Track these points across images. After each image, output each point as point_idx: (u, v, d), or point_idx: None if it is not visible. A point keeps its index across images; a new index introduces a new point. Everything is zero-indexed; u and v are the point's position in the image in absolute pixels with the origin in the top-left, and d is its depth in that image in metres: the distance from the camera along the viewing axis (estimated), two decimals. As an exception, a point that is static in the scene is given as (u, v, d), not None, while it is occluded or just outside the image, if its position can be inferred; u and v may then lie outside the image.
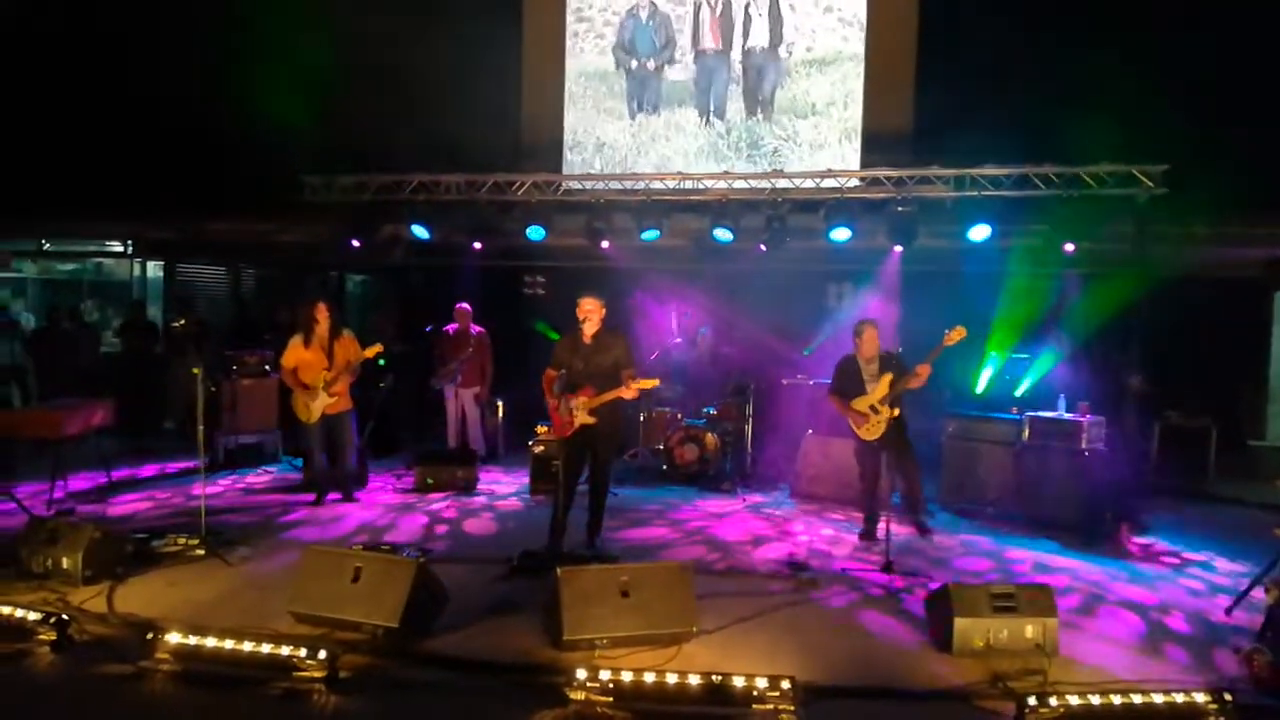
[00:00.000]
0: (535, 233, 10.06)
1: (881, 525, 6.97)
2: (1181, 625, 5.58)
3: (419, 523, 7.62)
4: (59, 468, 7.70)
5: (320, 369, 7.87)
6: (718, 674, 4.37)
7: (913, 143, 10.19)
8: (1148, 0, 9.73)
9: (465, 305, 10.09)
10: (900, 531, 7.15)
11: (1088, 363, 8.66)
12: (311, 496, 8.16)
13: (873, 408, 7.21)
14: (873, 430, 7.23)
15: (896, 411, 7.05)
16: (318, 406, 7.88)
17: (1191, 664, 4.96)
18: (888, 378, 7.11)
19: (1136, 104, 9.33)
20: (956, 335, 6.65)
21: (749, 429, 9.75)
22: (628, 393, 6.52)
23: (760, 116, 11.05)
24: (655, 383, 6.73)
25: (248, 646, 4.59)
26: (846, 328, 7.79)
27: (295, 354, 7.90)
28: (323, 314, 7.90)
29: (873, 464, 7.40)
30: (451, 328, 10.06)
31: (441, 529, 7.47)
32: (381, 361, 11.06)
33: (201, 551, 6.34)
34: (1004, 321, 9.37)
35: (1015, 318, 9.35)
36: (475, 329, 10.04)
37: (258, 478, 9.22)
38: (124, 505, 7.90)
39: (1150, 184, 8.35)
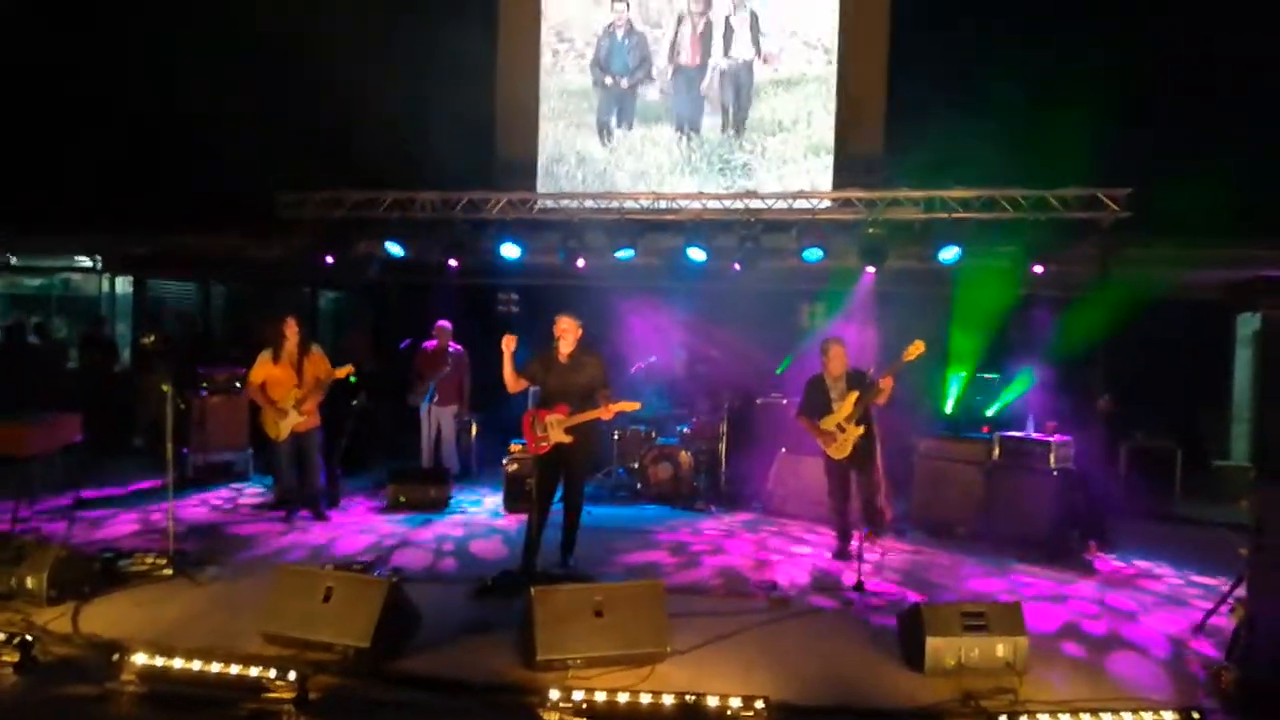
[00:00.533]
0: (510, 250, 10.07)
1: (854, 544, 7.01)
2: (1149, 644, 5.65)
3: (389, 541, 7.56)
4: (24, 485, 7.57)
5: (290, 386, 7.82)
6: (691, 694, 4.37)
7: (883, 165, 10.31)
8: (1114, 26, 9.91)
9: (445, 323, 10.05)
10: (873, 551, 7.19)
11: (1056, 383, 8.77)
12: (281, 514, 8.08)
13: (839, 426, 7.23)
14: (841, 448, 7.26)
15: (863, 429, 7.12)
16: (287, 424, 7.83)
17: (1160, 683, 5.02)
18: (853, 395, 7.16)
19: (1102, 128, 9.52)
20: (915, 350, 6.76)
21: (723, 447, 9.77)
22: (606, 414, 6.56)
23: (733, 133, 11.14)
24: (636, 405, 6.73)
25: (216, 667, 4.54)
26: (816, 347, 7.83)
27: (264, 370, 7.84)
28: (292, 330, 7.85)
29: (842, 482, 7.42)
30: (430, 344, 10.02)
31: (415, 547, 7.42)
32: (353, 379, 11.01)
33: (169, 571, 6.26)
34: (973, 342, 9.49)
35: (984, 339, 9.47)
36: (454, 347, 10.01)
37: (228, 495, 9.11)
38: (91, 523, 7.77)
39: (1115, 207, 8.50)
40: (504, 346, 6.55)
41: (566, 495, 6.84)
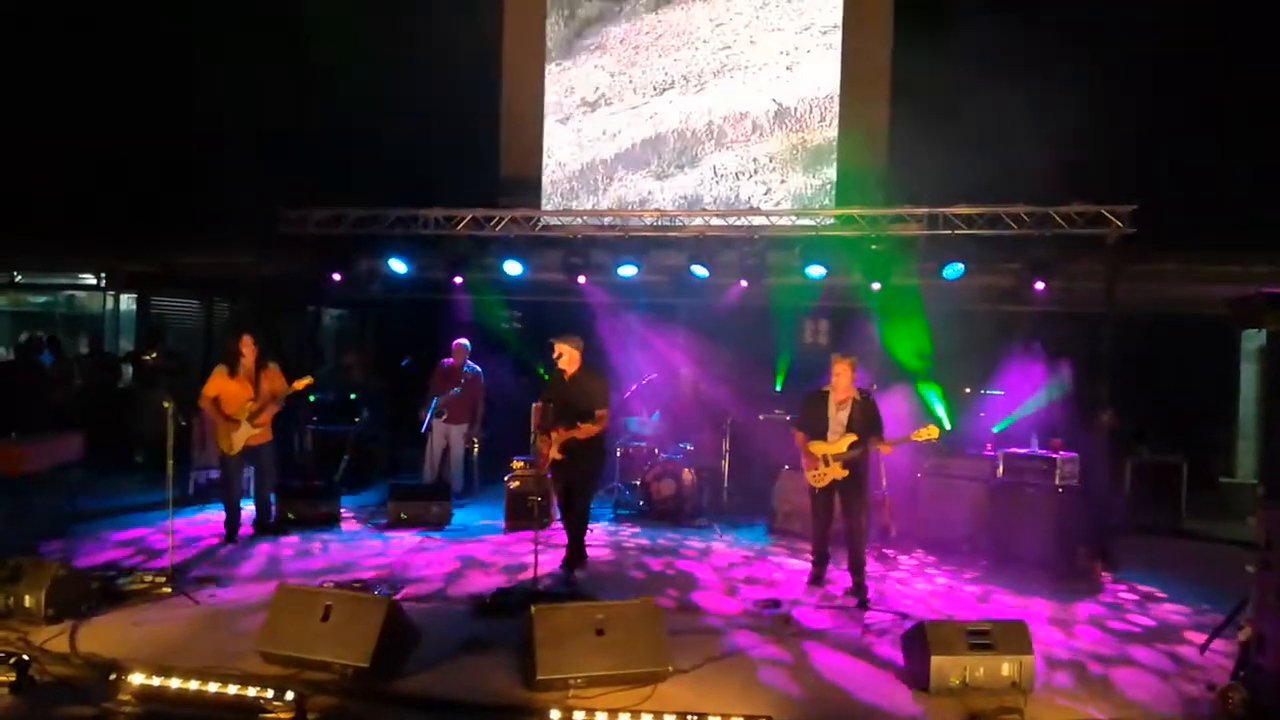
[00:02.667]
0: (512, 268, 10.07)
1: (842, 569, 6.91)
2: (1156, 662, 5.59)
3: (390, 559, 7.52)
4: (22, 503, 7.54)
5: (244, 399, 7.85)
6: (693, 714, 4.32)
7: (887, 182, 10.30)
8: (1117, 45, 9.93)
9: (463, 341, 9.98)
10: (874, 569, 7.13)
11: (1060, 399, 8.72)
12: (223, 534, 7.97)
13: (825, 459, 6.82)
14: (817, 479, 6.88)
15: (845, 473, 6.74)
16: (240, 437, 7.85)
17: (1166, 702, 4.96)
18: (850, 439, 6.73)
19: (1107, 145, 9.52)
20: (926, 434, 6.60)
21: (725, 464, 9.74)
22: (579, 434, 6.77)
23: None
24: (592, 429, 6.82)
25: (213, 687, 4.49)
26: (817, 363, 7.73)
27: (218, 384, 7.86)
28: (248, 346, 7.89)
29: (823, 506, 6.99)
30: (448, 361, 9.98)
31: (415, 565, 7.38)
32: (353, 395, 11.01)
33: (168, 589, 6.22)
34: (974, 358, 9.47)
35: (986, 354, 9.44)
36: (470, 366, 9.96)
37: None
38: (90, 541, 7.74)
39: (1119, 224, 8.48)
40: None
41: (566, 510, 6.92)
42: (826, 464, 6.81)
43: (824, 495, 6.94)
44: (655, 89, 11.31)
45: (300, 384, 7.99)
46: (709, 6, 11.17)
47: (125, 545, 7.69)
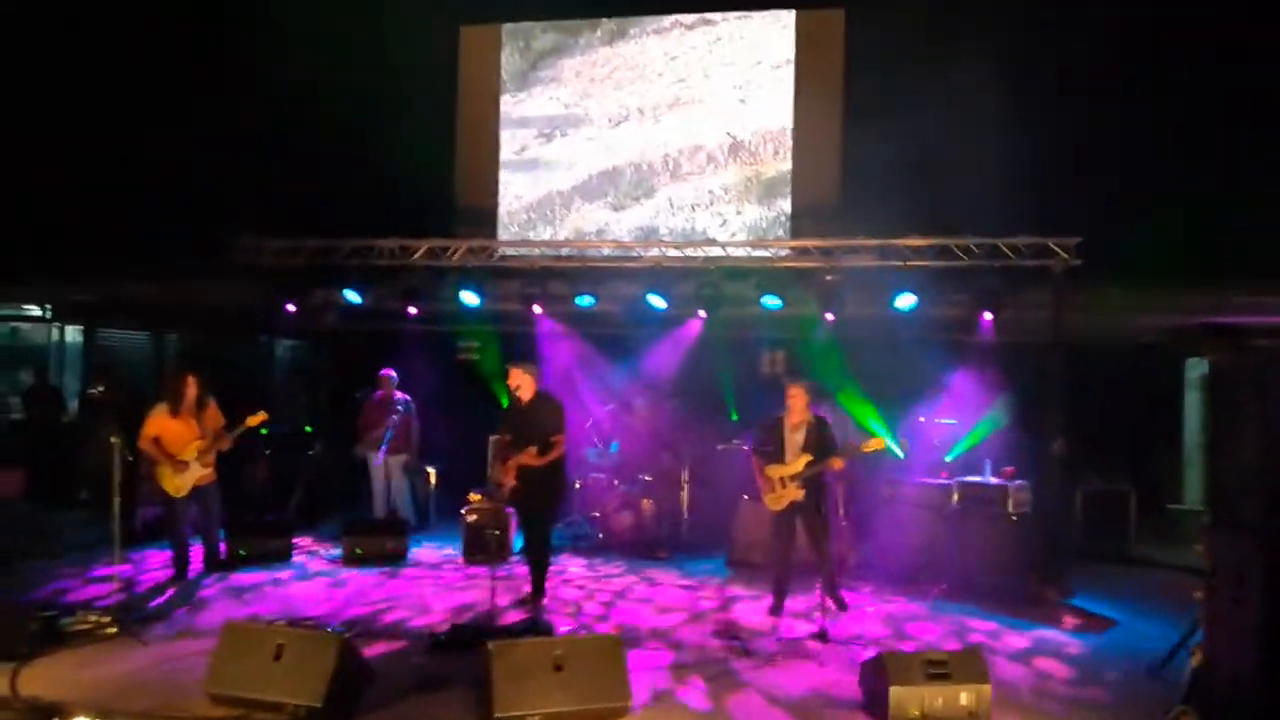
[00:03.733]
0: (469, 298, 10.04)
1: (807, 595, 6.96)
2: (1108, 688, 5.66)
3: (344, 595, 7.39)
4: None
5: (190, 439, 7.64)
6: (652, 749, 4.29)
7: (840, 214, 10.45)
8: (1064, 77, 10.19)
9: (389, 371, 9.93)
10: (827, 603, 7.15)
11: (1005, 427, 8.86)
12: (172, 574, 7.80)
13: (782, 480, 7.00)
14: (776, 502, 7.05)
15: (802, 493, 6.93)
16: (189, 478, 7.64)
17: (1119, 727, 5.02)
18: (805, 459, 6.94)
19: (1053, 178, 9.76)
20: (874, 445, 6.99)
21: (684, 495, 9.74)
22: (531, 460, 6.71)
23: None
24: (543, 460, 6.75)
25: (160, 731, 4.37)
26: (773, 394, 7.82)
27: (160, 423, 7.62)
28: (191, 385, 7.70)
29: (784, 530, 7.15)
30: (378, 394, 9.90)
31: (369, 601, 7.25)
32: (308, 429, 10.86)
33: (114, 629, 6.06)
34: (924, 387, 9.60)
35: (939, 384, 9.58)
36: (400, 395, 9.88)
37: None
38: (32, 579, 7.52)
39: (1065, 255, 8.68)
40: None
41: (526, 541, 6.89)
42: (784, 485, 7.01)
43: (784, 519, 7.12)
44: (610, 121, 11.39)
45: (255, 419, 7.79)
46: (663, 40, 11.31)
47: (69, 583, 7.47)
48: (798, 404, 7.11)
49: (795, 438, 7.10)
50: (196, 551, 7.97)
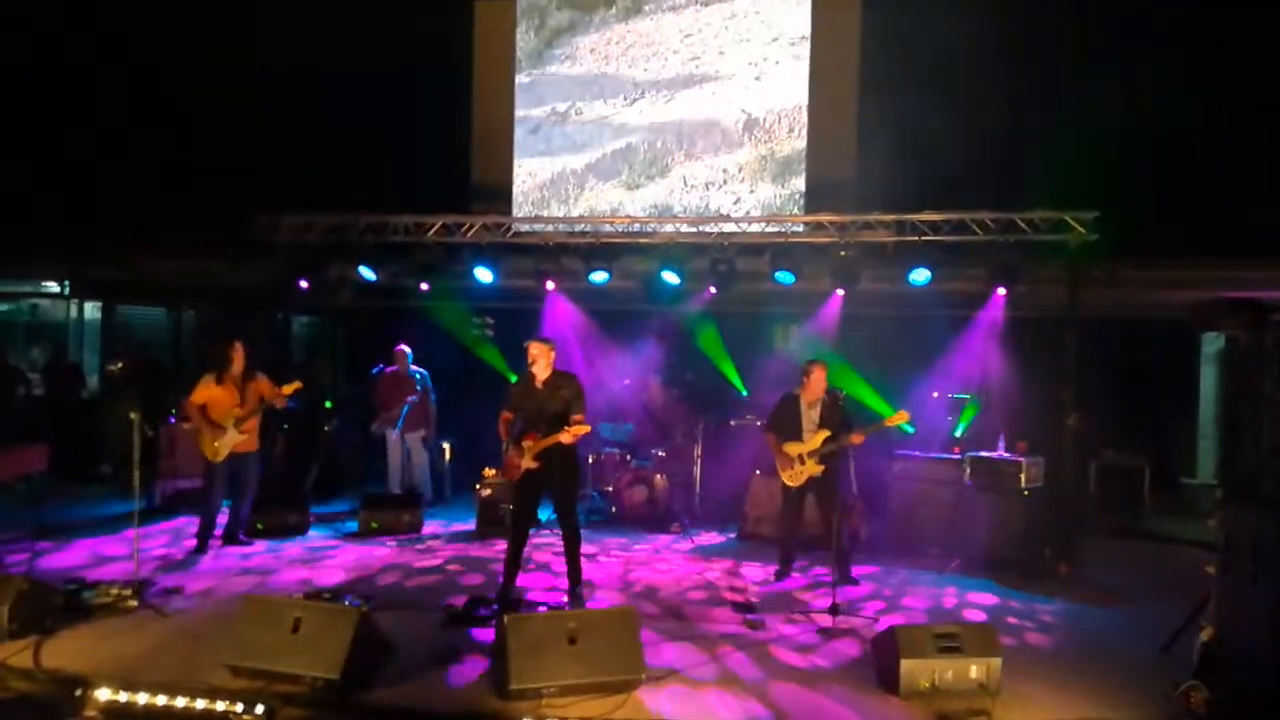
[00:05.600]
0: (483, 274, 10.06)
1: (818, 569, 7.02)
2: (1120, 662, 5.68)
3: (360, 569, 7.48)
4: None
5: (231, 406, 7.79)
6: (665, 721, 4.35)
7: (855, 189, 10.39)
8: (1079, 51, 10.08)
9: (403, 347, 9.99)
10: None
11: (1026, 403, 8.85)
12: (254, 543, 7.96)
13: (800, 457, 7.19)
14: (794, 478, 7.24)
15: (821, 469, 7.11)
16: (226, 443, 7.78)
17: (1130, 701, 5.04)
18: (824, 434, 7.11)
19: (1070, 151, 9.67)
20: (899, 418, 7.02)
21: (697, 470, 9.78)
22: (565, 438, 6.39)
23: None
24: (585, 429, 6.50)
25: (181, 702, 4.47)
26: (786, 368, 7.85)
27: (206, 391, 7.79)
28: (238, 353, 7.86)
29: (795, 506, 7.37)
30: (390, 369, 9.97)
31: (386, 574, 7.34)
32: (328, 404, 10.95)
33: (135, 602, 6.15)
34: (941, 362, 9.61)
35: (953, 359, 9.59)
36: (415, 370, 9.95)
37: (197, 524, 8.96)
38: (55, 554, 7.64)
39: (1082, 230, 8.61)
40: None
41: (560, 523, 6.71)
42: (802, 462, 7.16)
43: (798, 494, 7.30)
44: (625, 99, 11.32)
45: (289, 389, 7.92)
46: (679, 17, 11.21)
47: (90, 558, 7.59)
48: (817, 383, 7.23)
49: (812, 414, 7.25)
50: (222, 523, 8.07)
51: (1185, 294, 10.59)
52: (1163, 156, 9.75)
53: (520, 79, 11.62)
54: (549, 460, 6.48)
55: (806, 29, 10.83)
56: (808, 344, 10.20)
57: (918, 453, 8.74)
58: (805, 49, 10.82)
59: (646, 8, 11.29)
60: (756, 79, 10.98)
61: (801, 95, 10.81)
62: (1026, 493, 7.76)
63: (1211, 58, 9.95)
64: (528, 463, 6.46)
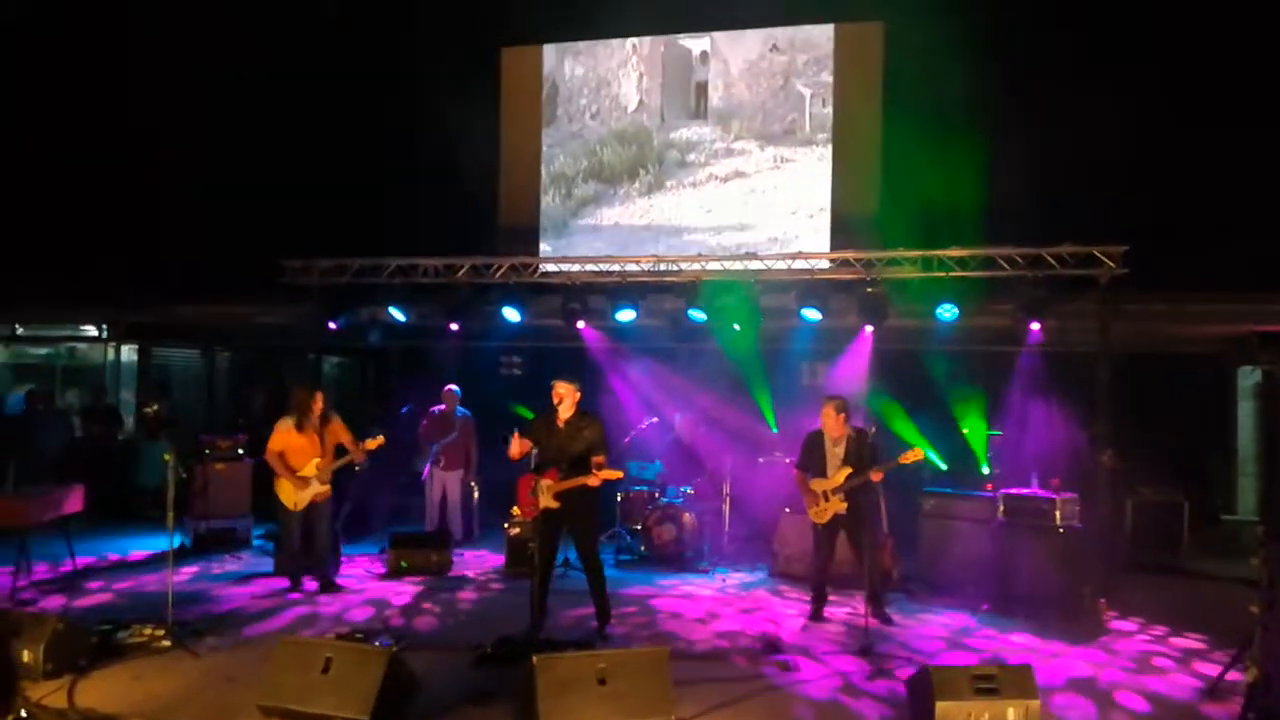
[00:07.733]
0: (511, 314, 10.15)
1: (850, 608, 6.94)
2: (1163, 705, 5.55)
3: (392, 608, 7.49)
4: (23, 556, 7.53)
5: (312, 454, 7.75)
6: (696, 763, 4.29)
7: (880, 226, 10.42)
8: (1107, 85, 10.08)
9: (453, 387, 10.09)
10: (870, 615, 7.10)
11: (1058, 439, 8.74)
12: (286, 583, 7.99)
13: (825, 494, 7.22)
14: (819, 515, 7.28)
15: (845, 506, 7.12)
16: (308, 494, 7.75)
17: (1172, 744, 4.93)
18: (846, 471, 7.15)
19: (1098, 186, 9.65)
20: (912, 456, 7.02)
21: (726, 508, 9.72)
22: (593, 481, 6.43)
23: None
24: (618, 474, 6.59)
25: (213, 742, 4.47)
26: (811, 405, 7.86)
27: (285, 438, 7.73)
28: (318, 401, 7.83)
29: (826, 544, 7.37)
30: (438, 409, 10.05)
31: (416, 614, 7.34)
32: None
33: (168, 643, 6.19)
34: (970, 398, 9.53)
35: (981, 395, 9.52)
36: (461, 412, 10.03)
37: (229, 564, 9.04)
38: (89, 594, 7.72)
39: (1111, 264, 8.55)
40: (513, 447, 6.69)
41: (582, 563, 6.73)
42: (826, 499, 7.20)
43: (827, 532, 7.31)
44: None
45: (373, 444, 7.77)
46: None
47: (124, 598, 7.65)
48: (827, 421, 7.32)
49: (836, 451, 7.29)
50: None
51: (1217, 328, 10.53)
52: (1192, 189, 9.70)
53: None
54: (568, 500, 6.52)
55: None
56: (838, 381, 10.16)
57: (949, 489, 8.64)
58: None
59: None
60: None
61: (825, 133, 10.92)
62: (1061, 530, 7.64)
63: (1238, 90, 9.92)
64: (547, 501, 6.50)
